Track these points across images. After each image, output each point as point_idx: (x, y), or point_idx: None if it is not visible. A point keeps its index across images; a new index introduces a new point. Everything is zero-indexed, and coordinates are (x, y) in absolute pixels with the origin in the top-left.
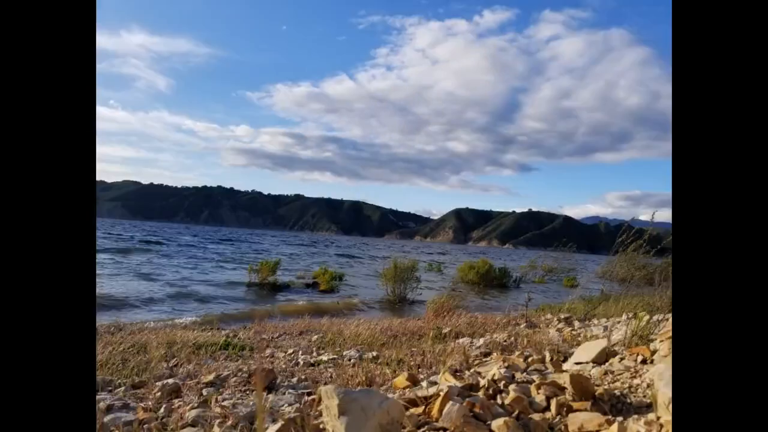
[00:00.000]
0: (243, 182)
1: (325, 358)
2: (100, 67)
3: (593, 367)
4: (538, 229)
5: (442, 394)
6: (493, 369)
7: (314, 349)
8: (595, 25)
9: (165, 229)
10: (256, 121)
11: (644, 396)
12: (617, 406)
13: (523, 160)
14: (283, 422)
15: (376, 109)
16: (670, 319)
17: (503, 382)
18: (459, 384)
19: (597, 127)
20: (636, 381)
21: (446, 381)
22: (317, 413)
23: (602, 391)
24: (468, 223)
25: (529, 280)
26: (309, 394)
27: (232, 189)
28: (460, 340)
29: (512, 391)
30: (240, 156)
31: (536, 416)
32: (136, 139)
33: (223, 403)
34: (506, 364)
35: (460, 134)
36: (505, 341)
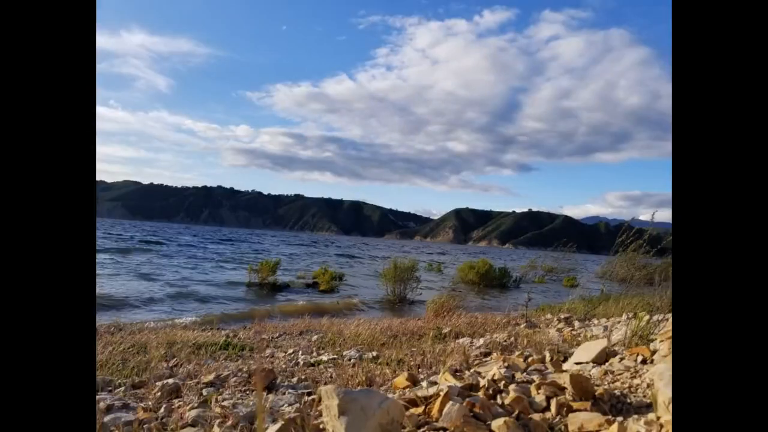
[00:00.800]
0: (243, 182)
1: (325, 358)
2: (100, 67)
3: (593, 367)
4: (538, 229)
5: (442, 394)
6: (493, 369)
7: (314, 349)
8: (595, 25)
9: (165, 229)
10: (256, 121)
11: (644, 396)
12: (617, 406)
13: (523, 160)
14: (283, 422)
15: (376, 109)
16: (670, 319)
17: (503, 382)
18: (459, 384)
19: (597, 127)
20: (636, 381)
21: (446, 381)
22: (317, 413)
23: (602, 391)
24: (468, 223)
25: (529, 280)
26: (309, 394)
27: (232, 189)
28: (460, 340)
29: (512, 391)
30: (240, 156)
31: (536, 416)
32: (136, 139)
33: (223, 403)
34: (506, 364)
35: (460, 134)
36: (505, 341)
